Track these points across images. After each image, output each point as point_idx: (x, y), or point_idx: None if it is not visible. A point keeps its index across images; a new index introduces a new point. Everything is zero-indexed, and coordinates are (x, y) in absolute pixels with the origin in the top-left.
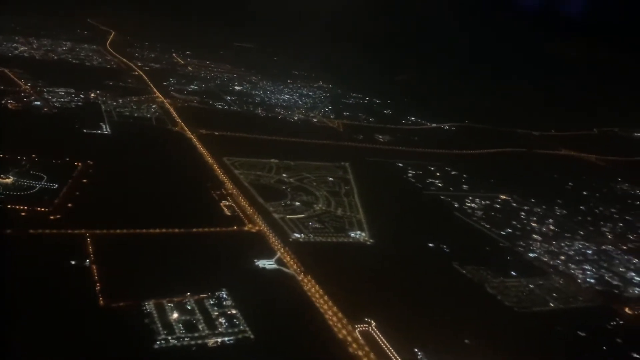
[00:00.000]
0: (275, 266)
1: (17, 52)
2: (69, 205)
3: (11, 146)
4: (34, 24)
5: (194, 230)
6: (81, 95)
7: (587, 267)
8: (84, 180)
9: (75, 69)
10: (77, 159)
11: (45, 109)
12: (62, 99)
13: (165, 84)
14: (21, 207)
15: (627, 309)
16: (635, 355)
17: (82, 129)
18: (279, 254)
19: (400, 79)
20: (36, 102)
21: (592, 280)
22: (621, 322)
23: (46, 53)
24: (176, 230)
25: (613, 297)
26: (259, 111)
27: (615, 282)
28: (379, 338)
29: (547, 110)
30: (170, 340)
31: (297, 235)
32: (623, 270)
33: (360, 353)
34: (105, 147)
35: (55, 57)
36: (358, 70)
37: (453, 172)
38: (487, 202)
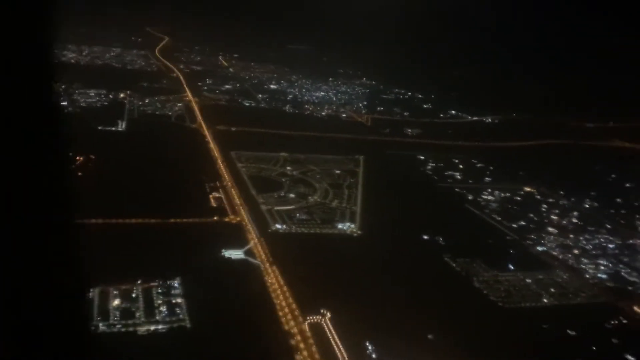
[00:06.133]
0: (242, 256)
1: (64, 58)
2: None
3: None
4: (91, 33)
5: (172, 220)
6: (110, 96)
7: (602, 261)
8: (79, 173)
9: (114, 72)
10: (80, 153)
11: (70, 108)
12: (89, 99)
13: (200, 84)
14: None
15: (635, 307)
16: (629, 357)
17: (97, 126)
18: (250, 244)
19: (454, 75)
20: (62, 102)
21: (604, 276)
22: (624, 321)
23: (93, 59)
24: (152, 220)
25: (623, 294)
26: (287, 108)
27: (632, 279)
28: (329, 330)
29: (612, 102)
30: (101, 327)
31: (279, 226)
32: None
33: (302, 345)
34: (114, 142)
35: (100, 62)
36: (408, 67)
37: (478, 165)
38: (507, 194)
